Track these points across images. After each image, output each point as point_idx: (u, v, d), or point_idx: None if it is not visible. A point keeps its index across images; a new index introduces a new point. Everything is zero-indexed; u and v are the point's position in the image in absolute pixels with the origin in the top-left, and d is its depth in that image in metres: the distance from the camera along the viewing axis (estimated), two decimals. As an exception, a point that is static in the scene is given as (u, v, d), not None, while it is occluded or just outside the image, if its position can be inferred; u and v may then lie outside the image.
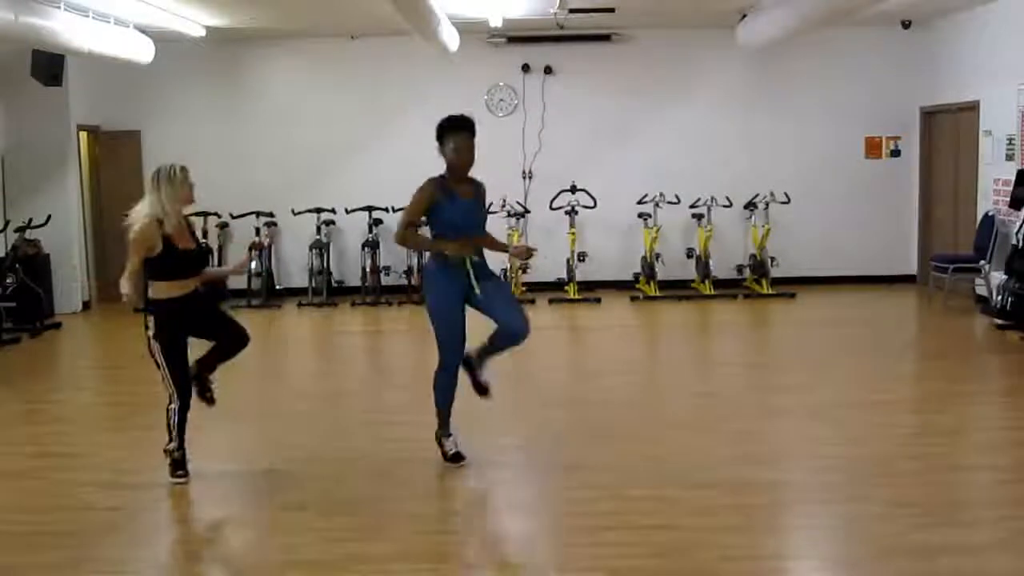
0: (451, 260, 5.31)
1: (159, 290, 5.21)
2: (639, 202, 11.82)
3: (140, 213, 5.20)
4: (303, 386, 8.13)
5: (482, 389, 5.66)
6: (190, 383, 5.35)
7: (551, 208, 11.70)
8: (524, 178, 12.23)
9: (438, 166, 14.06)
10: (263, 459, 5.84)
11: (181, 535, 4.82)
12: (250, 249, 5.32)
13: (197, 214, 11.80)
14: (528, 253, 5.70)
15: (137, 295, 5.17)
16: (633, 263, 12.14)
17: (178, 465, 5.34)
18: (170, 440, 5.32)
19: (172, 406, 5.29)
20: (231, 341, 5.46)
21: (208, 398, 5.57)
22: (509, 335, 5.43)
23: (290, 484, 5.39)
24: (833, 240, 12.36)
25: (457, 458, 5.52)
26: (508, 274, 11.74)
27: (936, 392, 7.26)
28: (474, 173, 13.90)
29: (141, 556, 4.51)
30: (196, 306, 5.33)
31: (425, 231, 5.63)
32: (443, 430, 5.58)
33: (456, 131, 5.43)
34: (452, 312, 5.36)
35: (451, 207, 5.42)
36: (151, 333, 5.20)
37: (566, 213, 11.67)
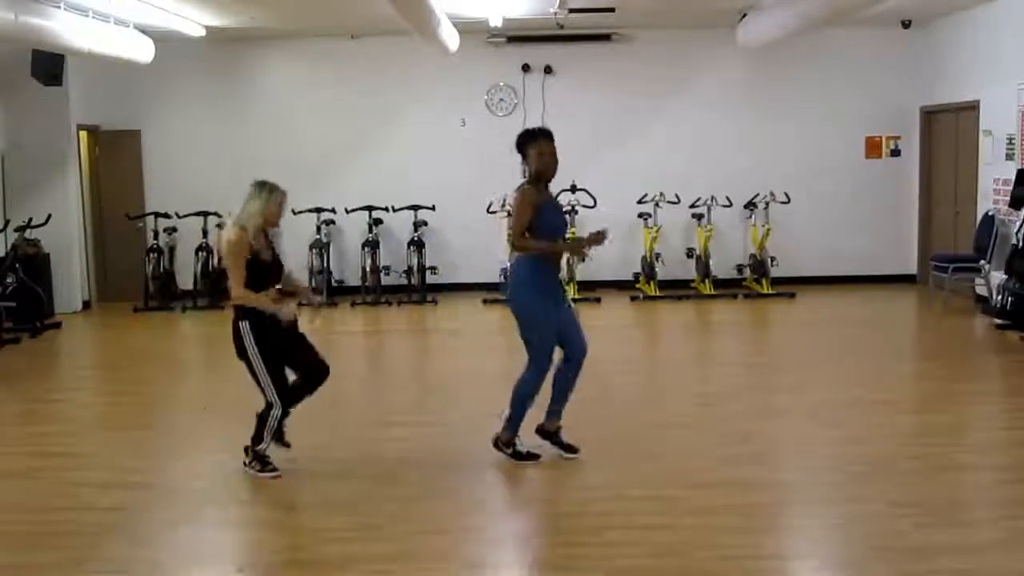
0: (545, 268, 5.43)
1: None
2: (639, 202, 11.83)
3: (230, 222, 5.41)
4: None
5: (572, 449, 5.66)
6: (288, 389, 5.41)
7: (551, 208, 11.68)
8: (524, 178, 12.20)
9: (437, 165, 14.07)
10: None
11: (181, 535, 4.81)
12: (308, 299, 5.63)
13: (197, 214, 11.84)
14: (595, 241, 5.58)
15: (259, 299, 5.32)
16: (633, 263, 12.14)
17: (266, 462, 5.43)
18: (261, 441, 5.41)
19: (275, 412, 5.36)
20: (312, 371, 5.48)
21: (284, 442, 5.62)
22: (576, 359, 5.57)
23: (290, 484, 5.39)
24: (833, 240, 12.37)
25: (532, 456, 5.58)
26: (508, 274, 11.75)
27: (936, 392, 7.26)
28: (473, 172, 13.93)
29: (141, 556, 4.51)
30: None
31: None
32: (515, 432, 5.59)
33: (541, 139, 5.44)
34: (550, 317, 5.45)
35: (551, 212, 5.50)
36: (252, 340, 5.28)
37: (566, 213, 11.66)
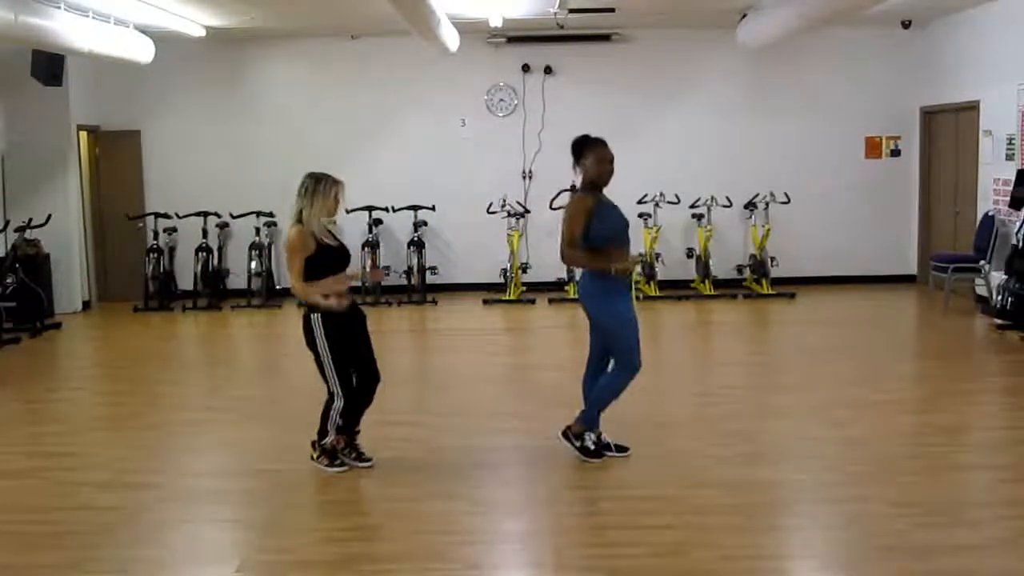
0: (615, 272, 5.38)
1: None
2: (639, 202, 11.81)
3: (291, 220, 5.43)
4: (303, 386, 8.10)
5: (622, 448, 5.68)
6: (353, 382, 5.44)
7: (551, 208, 11.65)
8: (524, 178, 12.23)
9: (437, 165, 14.02)
10: (263, 459, 5.84)
11: (181, 535, 4.81)
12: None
13: (197, 214, 11.85)
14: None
15: (313, 290, 5.31)
16: (633, 263, 12.12)
17: (335, 456, 5.47)
18: (326, 435, 5.45)
19: (337, 404, 5.39)
20: (367, 374, 5.51)
21: (364, 458, 5.61)
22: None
23: (291, 484, 5.39)
24: (833, 240, 12.37)
25: (603, 451, 5.59)
26: (508, 274, 11.75)
27: (936, 392, 7.26)
28: (473, 172, 13.91)
29: (141, 556, 4.51)
30: (355, 309, 5.48)
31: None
32: (594, 426, 5.60)
33: (600, 146, 5.45)
34: (633, 317, 5.45)
35: (610, 213, 5.44)
36: (323, 332, 5.30)
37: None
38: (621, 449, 5.65)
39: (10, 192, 11.13)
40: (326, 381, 5.41)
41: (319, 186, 5.40)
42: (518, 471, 5.59)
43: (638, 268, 5.62)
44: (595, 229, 5.36)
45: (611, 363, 5.59)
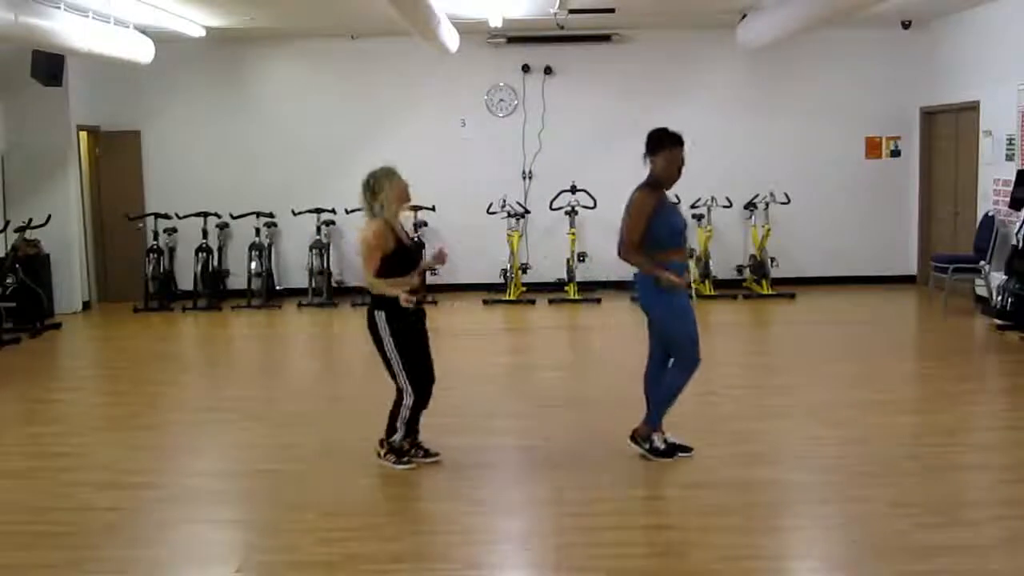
0: (671, 264, 5.39)
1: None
2: (639, 202, 11.81)
3: (368, 222, 5.33)
4: (303, 386, 8.13)
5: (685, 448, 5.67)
6: (424, 378, 5.43)
7: (551, 208, 11.70)
8: (524, 178, 12.23)
9: (437, 165, 14.01)
10: (263, 459, 5.84)
11: (181, 535, 4.81)
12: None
13: (197, 214, 11.85)
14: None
15: (390, 287, 5.23)
16: (633, 263, 12.12)
17: (403, 454, 5.48)
18: (394, 432, 5.45)
19: (407, 402, 5.39)
20: (424, 375, 5.50)
21: (431, 453, 5.64)
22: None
23: (290, 484, 5.39)
24: (833, 240, 12.37)
25: (673, 450, 5.57)
26: (508, 274, 11.75)
27: (936, 392, 7.26)
28: (473, 172, 13.87)
29: (141, 556, 4.51)
30: (421, 306, 5.43)
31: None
32: (658, 425, 5.60)
33: (675, 144, 5.48)
34: (690, 308, 5.46)
35: (671, 212, 5.49)
36: (388, 330, 5.28)
37: (566, 213, 11.68)
38: (684, 449, 5.65)
39: (10, 192, 11.13)
40: (394, 378, 5.41)
41: (381, 179, 5.28)
42: (518, 471, 5.59)
43: (693, 270, 5.59)
44: (654, 229, 5.38)
45: (671, 360, 5.61)
